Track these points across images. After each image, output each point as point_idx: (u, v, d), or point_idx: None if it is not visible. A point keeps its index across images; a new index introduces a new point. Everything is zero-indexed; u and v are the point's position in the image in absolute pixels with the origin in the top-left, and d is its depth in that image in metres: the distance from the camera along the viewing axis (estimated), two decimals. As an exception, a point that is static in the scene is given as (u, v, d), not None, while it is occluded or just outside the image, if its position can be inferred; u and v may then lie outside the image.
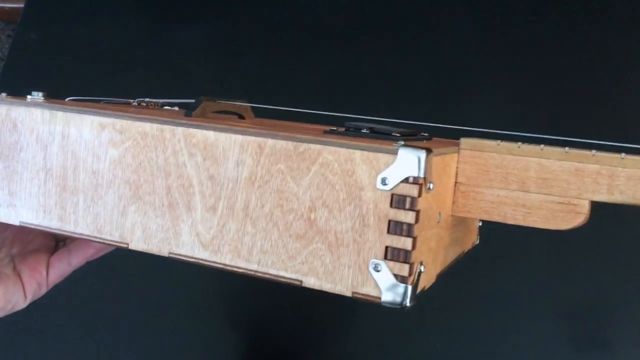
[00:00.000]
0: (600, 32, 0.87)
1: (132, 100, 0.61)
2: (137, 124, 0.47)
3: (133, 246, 0.48)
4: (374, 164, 0.40)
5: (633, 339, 0.63)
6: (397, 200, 0.39)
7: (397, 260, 0.40)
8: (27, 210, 0.51)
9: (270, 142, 0.43)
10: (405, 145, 0.40)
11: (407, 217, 0.39)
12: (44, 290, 0.57)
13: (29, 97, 0.54)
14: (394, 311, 0.41)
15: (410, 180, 0.39)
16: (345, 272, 0.41)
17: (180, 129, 0.45)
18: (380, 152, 0.40)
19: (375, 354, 0.65)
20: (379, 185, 0.40)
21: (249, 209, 0.44)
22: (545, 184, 0.48)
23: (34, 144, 0.50)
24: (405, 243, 0.39)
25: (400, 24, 0.87)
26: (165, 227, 0.46)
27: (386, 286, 0.40)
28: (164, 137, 0.46)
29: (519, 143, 0.48)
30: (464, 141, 0.50)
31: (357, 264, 0.41)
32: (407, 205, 0.39)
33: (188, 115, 0.55)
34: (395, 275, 0.40)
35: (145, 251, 0.47)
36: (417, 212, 0.39)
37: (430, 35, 0.85)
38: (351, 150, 0.41)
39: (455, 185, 0.50)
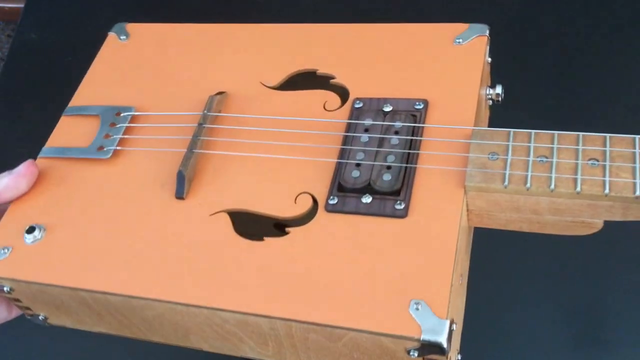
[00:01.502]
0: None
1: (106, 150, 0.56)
2: (157, 304, 0.48)
3: (207, 350, 0.55)
4: (400, 344, 0.42)
5: (633, 339, 0.64)
6: None
7: None
8: (98, 327, 0.57)
9: (294, 325, 0.45)
10: (427, 331, 0.41)
11: None
12: None
13: (26, 240, 0.53)
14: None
15: (436, 354, 0.42)
16: None
17: (204, 311, 0.47)
18: (406, 339, 0.42)
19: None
20: (410, 354, 0.43)
21: (297, 347, 0.48)
22: (558, 212, 0.47)
23: (69, 300, 0.52)
24: None
25: None
26: (228, 347, 0.52)
27: None
28: (192, 311, 0.48)
29: (528, 184, 0.45)
30: (469, 186, 0.47)
31: None
32: None
33: (179, 197, 0.52)
34: None
35: (220, 352, 0.54)
36: None
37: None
38: (377, 337, 0.43)
39: (468, 212, 0.49)
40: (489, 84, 0.58)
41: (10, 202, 0.56)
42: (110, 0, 0.99)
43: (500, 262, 0.69)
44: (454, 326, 0.44)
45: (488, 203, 0.48)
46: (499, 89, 0.58)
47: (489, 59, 0.56)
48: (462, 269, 0.49)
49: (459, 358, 0.48)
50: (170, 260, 0.49)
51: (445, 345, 0.41)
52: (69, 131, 0.60)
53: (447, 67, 0.54)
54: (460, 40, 0.56)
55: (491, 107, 0.60)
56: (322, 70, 0.58)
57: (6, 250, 0.52)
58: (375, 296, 0.44)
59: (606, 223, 0.46)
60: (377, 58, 0.57)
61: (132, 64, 0.63)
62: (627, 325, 0.64)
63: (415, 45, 0.57)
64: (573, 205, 0.46)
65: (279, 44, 0.61)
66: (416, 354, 0.43)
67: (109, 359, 0.71)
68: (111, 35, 0.67)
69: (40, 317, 0.57)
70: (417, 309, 0.42)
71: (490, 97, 0.57)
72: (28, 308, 0.56)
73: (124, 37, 0.66)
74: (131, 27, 0.67)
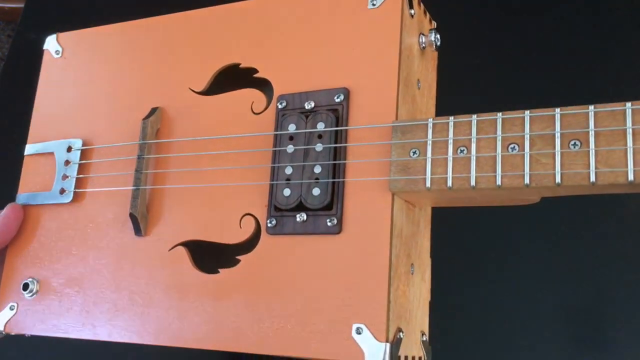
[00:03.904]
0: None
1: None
2: None
3: None
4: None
5: (633, 339, 0.60)
6: None
7: None
8: None
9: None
10: (371, 355, 0.44)
11: None
12: None
13: (26, 296, 0.58)
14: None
15: None
16: None
17: None
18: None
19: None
20: None
21: None
22: (490, 197, 0.46)
23: None
24: None
25: None
26: None
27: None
28: None
29: (449, 184, 0.44)
30: (393, 188, 0.46)
31: None
32: None
33: (138, 235, 0.55)
34: None
35: None
36: None
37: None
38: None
39: (406, 202, 0.48)
40: (423, 32, 0.53)
41: (2, 247, 0.61)
42: (110, 1, 0.95)
43: (500, 263, 0.68)
44: (401, 334, 0.46)
45: (421, 197, 0.48)
46: (432, 37, 0.53)
47: (412, 11, 0.51)
48: (412, 258, 0.49)
49: (425, 339, 0.51)
50: (140, 303, 0.53)
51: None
52: (33, 173, 0.62)
53: (363, 41, 0.50)
54: (375, 1, 0.51)
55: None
56: (244, 63, 0.55)
57: (13, 308, 0.58)
58: (319, 323, 0.46)
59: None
60: (294, 37, 0.53)
61: (69, 85, 0.63)
62: (626, 325, 0.63)
63: (329, 16, 0.52)
64: (499, 194, 0.44)
65: (198, 35, 0.58)
66: None
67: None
68: (46, 52, 0.66)
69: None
70: (359, 333, 0.45)
71: (423, 45, 0.53)
72: None
73: (58, 52, 0.65)
74: (63, 37, 0.65)
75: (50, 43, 0.65)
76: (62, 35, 0.66)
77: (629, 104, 0.40)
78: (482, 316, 0.67)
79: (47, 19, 1.03)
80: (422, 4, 0.54)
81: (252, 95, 0.54)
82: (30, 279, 0.58)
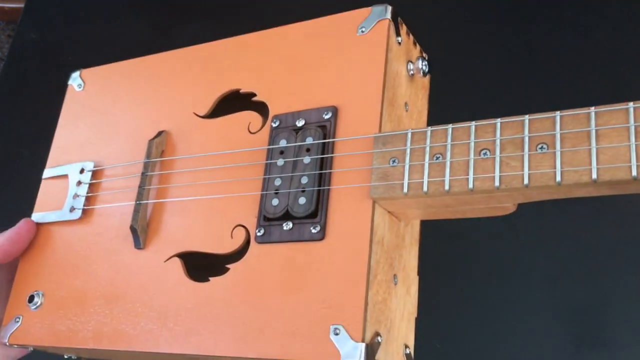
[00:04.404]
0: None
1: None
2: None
3: None
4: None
5: (633, 339, 0.61)
6: None
7: None
8: None
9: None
10: (346, 355, 0.44)
11: None
12: None
13: (31, 308, 0.61)
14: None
15: None
16: None
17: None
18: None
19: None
20: None
21: None
22: (466, 203, 0.47)
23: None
24: None
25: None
26: None
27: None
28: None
29: (425, 189, 0.46)
30: (375, 198, 0.48)
31: None
32: None
33: (137, 247, 0.57)
34: None
35: None
36: None
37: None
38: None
39: (389, 213, 0.50)
40: (411, 59, 0.57)
41: (14, 258, 0.64)
42: (110, 1, 0.97)
43: (500, 262, 0.68)
44: (379, 338, 0.46)
45: (401, 206, 0.49)
46: (419, 64, 0.56)
47: (399, 39, 0.55)
48: (395, 269, 0.50)
49: (408, 352, 0.51)
50: (134, 313, 0.55)
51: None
52: (48, 195, 0.66)
53: (352, 65, 0.54)
54: (364, 28, 0.54)
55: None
56: (244, 88, 0.59)
57: (18, 320, 0.61)
58: (300, 326, 0.47)
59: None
60: (289, 63, 0.57)
61: (87, 115, 0.68)
62: (627, 325, 0.63)
63: (321, 43, 0.56)
64: (474, 198, 0.46)
65: (204, 65, 0.62)
66: None
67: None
68: (70, 86, 0.71)
69: (73, 357, 0.66)
70: (337, 333, 0.45)
71: (412, 72, 0.56)
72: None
73: (80, 85, 0.70)
74: (85, 73, 0.71)
75: (74, 78, 0.71)
76: (85, 71, 0.71)
77: (592, 108, 0.42)
78: (482, 315, 0.66)
79: (47, 19, 1.04)
80: (411, 35, 0.57)
81: (249, 117, 0.58)
82: (36, 292, 0.61)
